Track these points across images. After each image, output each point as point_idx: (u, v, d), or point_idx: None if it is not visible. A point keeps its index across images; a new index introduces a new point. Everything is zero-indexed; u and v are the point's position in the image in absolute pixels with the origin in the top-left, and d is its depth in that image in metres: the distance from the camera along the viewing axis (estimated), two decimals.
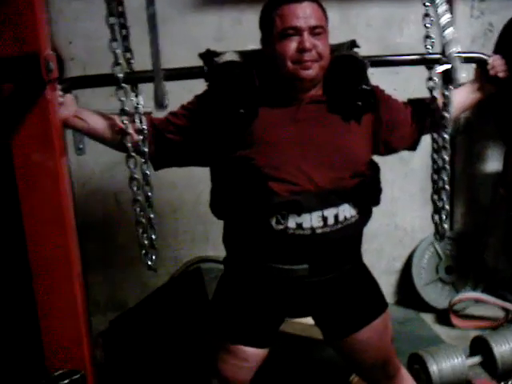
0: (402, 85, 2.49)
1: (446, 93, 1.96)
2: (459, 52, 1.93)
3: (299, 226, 1.80)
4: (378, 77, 1.97)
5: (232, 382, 1.98)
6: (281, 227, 1.80)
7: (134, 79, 1.83)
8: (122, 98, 1.79)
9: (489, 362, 2.64)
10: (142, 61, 1.81)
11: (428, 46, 1.99)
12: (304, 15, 1.76)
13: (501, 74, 2.03)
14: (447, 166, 2.01)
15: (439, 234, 2.08)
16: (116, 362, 2.86)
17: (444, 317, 3.37)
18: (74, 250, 1.71)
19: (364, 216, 1.94)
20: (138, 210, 1.84)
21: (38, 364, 1.73)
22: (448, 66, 1.92)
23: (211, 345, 2.01)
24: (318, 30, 1.78)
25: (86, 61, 3.03)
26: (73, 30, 3.02)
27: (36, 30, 1.49)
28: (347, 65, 1.90)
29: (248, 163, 1.81)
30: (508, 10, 3.08)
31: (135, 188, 1.86)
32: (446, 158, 2.01)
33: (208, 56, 1.91)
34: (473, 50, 3.29)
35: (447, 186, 2.02)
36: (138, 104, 1.83)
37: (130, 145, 1.83)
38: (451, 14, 1.94)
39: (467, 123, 3.42)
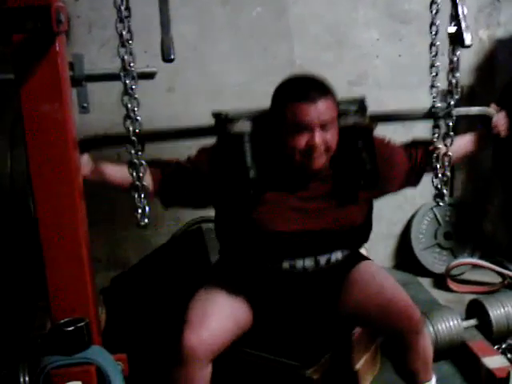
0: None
1: (453, 57, 1.97)
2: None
3: (292, 266, 1.97)
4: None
5: (196, 353, 1.83)
6: (275, 266, 1.98)
7: (145, 138, 1.86)
8: (132, 151, 1.82)
9: (484, 325, 2.68)
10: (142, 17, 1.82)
11: (433, 12, 1.98)
12: (317, 113, 1.81)
13: (502, 133, 2.14)
14: (451, 133, 2.03)
15: (439, 196, 2.10)
16: (117, 319, 2.89)
17: (441, 281, 3.42)
18: (80, 204, 1.73)
19: (354, 252, 2.13)
20: (134, 173, 1.85)
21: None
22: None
23: (195, 299, 2.01)
24: (329, 126, 1.84)
25: (91, 19, 3.03)
26: None
27: None
28: (353, 137, 1.97)
29: (248, 216, 1.93)
30: None
31: (132, 150, 1.84)
32: (451, 124, 2.04)
33: (221, 121, 1.99)
34: (479, 19, 3.32)
35: (450, 153, 2.04)
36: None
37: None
38: None
39: (468, 90, 3.43)
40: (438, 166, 2.04)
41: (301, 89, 1.86)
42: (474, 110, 2.17)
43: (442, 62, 2.00)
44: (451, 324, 2.58)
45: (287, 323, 2.11)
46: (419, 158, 2.09)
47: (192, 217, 3.38)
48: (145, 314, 2.89)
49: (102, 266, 3.34)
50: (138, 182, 1.82)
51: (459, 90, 1.99)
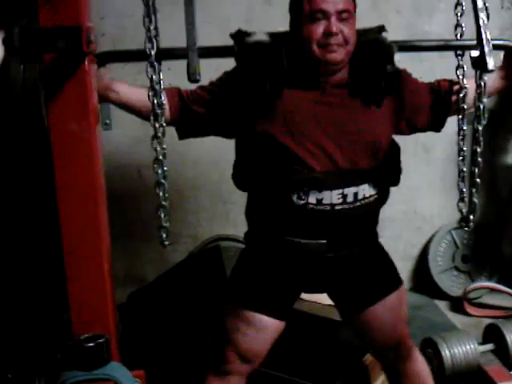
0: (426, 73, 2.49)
1: (480, 82, 1.95)
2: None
3: (319, 201, 1.85)
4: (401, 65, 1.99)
5: (247, 353, 1.96)
6: (302, 202, 1.86)
7: (166, 55, 1.84)
8: (153, 75, 1.77)
9: (501, 349, 2.66)
10: (169, 39, 1.84)
11: (458, 35, 2.00)
12: (332, 0, 1.78)
13: None
14: (479, 159, 2.00)
15: (465, 221, 2.07)
16: (133, 336, 2.90)
17: (458, 304, 3.40)
18: (103, 219, 1.75)
19: (383, 195, 1.99)
20: (160, 193, 1.85)
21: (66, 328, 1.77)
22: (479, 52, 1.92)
23: (227, 315, 2.00)
24: (346, 15, 1.79)
25: (115, 37, 3.07)
26: (104, 6, 3.05)
27: (78, 2, 1.53)
28: (374, 48, 1.91)
29: (271, 140, 1.85)
30: None
31: (159, 170, 1.85)
32: (479, 149, 2.00)
33: (239, 36, 1.93)
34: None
35: (478, 180, 2.01)
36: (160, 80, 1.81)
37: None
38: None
39: (490, 115, 3.42)
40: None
41: None
42: (496, 42, 1.99)
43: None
44: (468, 348, 2.58)
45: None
46: (443, 92, 2.03)
47: (210, 234, 3.40)
48: (162, 331, 2.90)
49: (119, 282, 3.36)
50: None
51: (486, 115, 1.98)
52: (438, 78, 2.08)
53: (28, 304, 2.31)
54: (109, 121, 3.15)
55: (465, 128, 2.02)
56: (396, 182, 2.02)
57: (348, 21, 1.80)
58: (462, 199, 2.06)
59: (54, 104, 1.59)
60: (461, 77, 1.98)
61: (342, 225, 1.91)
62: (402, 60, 1.96)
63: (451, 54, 2.03)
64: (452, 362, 2.52)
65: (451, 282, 3.58)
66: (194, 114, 1.95)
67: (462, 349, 2.57)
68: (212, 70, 1.91)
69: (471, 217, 2.04)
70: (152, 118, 1.81)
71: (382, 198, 1.99)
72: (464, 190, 2.05)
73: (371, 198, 1.92)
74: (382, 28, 1.98)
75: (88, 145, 1.64)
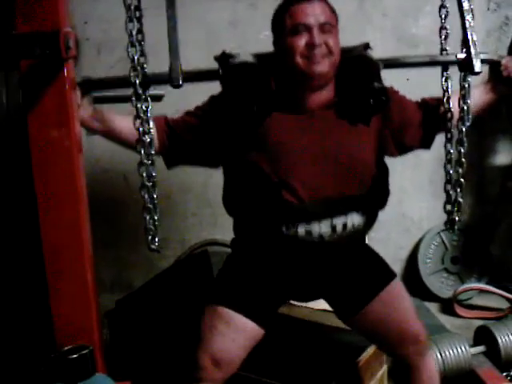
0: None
1: (464, 84, 1.94)
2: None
3: (308, 232, 1.85)
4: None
5: (220, 355, 1.86)
6: (291, 233, 1.85)
7: (153, 81, 1.80)
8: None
9: (492, 351, 2.65)
10: (155, 44, 1.83)
11: (443, 37, 1.98)
12: (313, 12, 1.80)
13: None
14: (463, 160, 1.99)
15: (450, 224, 2.06)
16: (121, 342, 2.87)
17: (448, 306, 3.39)
18: (85, 229, 1.72)
19: (371, 220, 2.00)
20: (146, 195, 1.82)
21: (48, 340, 1.74)
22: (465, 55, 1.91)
23: (206, 315, 1.94)
24: (328, 27, 1.81)
25: (100, 42, 3.05)
26: (88, 11, 3.03)
27: (57, 6, 1.50)
28: (360, 65, 1.92)
29: (258, 169, 1.85)
30: None
31: (144, 173, 1.81)
32: (463, 150, 1.99)
33: (223, 58, 1.92)
34: (488, 43, 3.31)
35: (462, 180, 2.00)
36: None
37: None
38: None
39: (477, 117, 3.42)
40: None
41: None
42: (483, 56, 1.97)
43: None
44: (459, 350, 2.56)
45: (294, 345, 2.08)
46: (432, 108, 2.02)
47: (197, 240, 3.38)
48: (150, 337, 2.87)
49: (106, 288, 3.34)
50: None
51: (470, 117, 1.96)
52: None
53: (9, 317, 2.27)
54: None
55: (452, 130, 2.00)
56: (384, 205, 2.03)
57: (330, 32, 1.82)
58: (448, 201, 2.04)
59: (33, 111, 1.56)
60: (449, 89, 1.98)
61: (332, 252, 1.92)
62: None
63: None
64: (443, 365, 2.51)
65: (441, 284, 3.57)
66: (181, 142, 1.95)
67: (453, 351, 2.55)
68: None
69: (456, 218, 2.02)
70: (139, 147, 1.78)
71: (370, 222, 2.00)
72: (451, 192, 2.03)
73: (360, 226, 1.92)
74: (367, 45, 1.97)
75: (69, 152, 1.62)
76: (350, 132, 1.88)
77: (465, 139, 1.98)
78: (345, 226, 1.87)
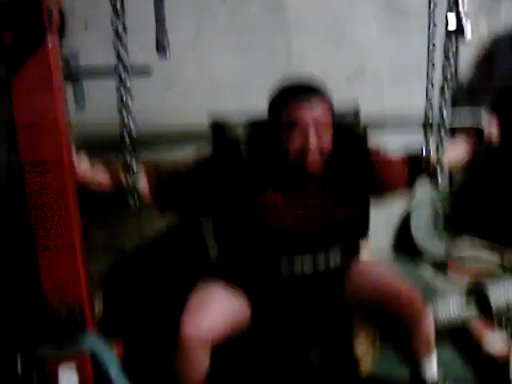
0: None
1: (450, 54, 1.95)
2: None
3: (291, 270, 1.98)
4: None
5: (193, 340, 1.88)
6: (274, 269, 1.98)
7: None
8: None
9: (484, 307, 2.72)
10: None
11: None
12: (311, 113, 1.84)
13: (494, 145, 2.19)
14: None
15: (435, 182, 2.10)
16: (114, 306, 2.90)
17: (441, 266, 3.38)
18: (72, 192, 1.73)
19: (353, 249, 2.15)
20: (128, 178, 1.84)
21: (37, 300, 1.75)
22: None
23: (196, 291, 2.05)
24: (323, 129, 1.86)
25: (87, 14, 3.00)
26: None
27: None
28: (347, 141, 2.03)
29: (247, 217, 1.96)
30: None
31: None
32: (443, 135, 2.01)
33: (217, 129, 2.06)
34: (480, 16, 3.29)
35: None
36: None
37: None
38: None
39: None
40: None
41: (297, 89, 1.89)
42: (467, 122, 2.20)
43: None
44: (451, 308, 2.64)
45: (286, 324, 2.13)
46: (414, 159, 2.11)
47: None
48: (143, 301, 2.91)
49: (98, 252, 3.31)
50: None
51: (452, 84, 1.97)
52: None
53: None
54: (83, 102, 3.09)
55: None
56: (365, 235, 2.17)
57: (325, 131, 1.87)
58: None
59: (17, 83, 1.55)
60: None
61: (314, 283, 2.03)
62: None
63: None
64: (436, 321, 2.53)
65: (434, 244, 3.57)
66: (169, 195, 2.00)
67: (445, 307, 2.65)
68: None
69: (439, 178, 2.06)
70: (129, 197, 1.84)
71: (353, 250, 2.14)
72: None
73: (342, 262, 2.05)
74: (356, 113, 2.11)
75: (54, 123, 1.62)
76: (337, 199, 2.00)
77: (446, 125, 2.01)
78: (327, 262, 2.01)
